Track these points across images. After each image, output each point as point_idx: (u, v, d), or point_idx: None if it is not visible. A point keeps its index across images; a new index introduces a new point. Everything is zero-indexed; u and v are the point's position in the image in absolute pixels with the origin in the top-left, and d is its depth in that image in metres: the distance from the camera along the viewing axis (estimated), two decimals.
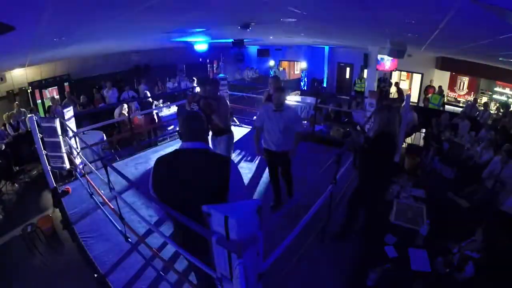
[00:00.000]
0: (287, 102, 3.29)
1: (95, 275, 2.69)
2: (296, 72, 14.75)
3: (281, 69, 13.92)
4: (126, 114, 5.99)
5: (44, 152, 3.84)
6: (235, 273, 1.26)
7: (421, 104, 9.62)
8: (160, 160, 1.66)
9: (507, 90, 8.91)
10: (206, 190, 1.55)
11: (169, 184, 1.61)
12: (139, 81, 9.73)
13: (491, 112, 7.75)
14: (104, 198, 3.28)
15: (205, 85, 3.41)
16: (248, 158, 5.02)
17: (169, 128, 7.19)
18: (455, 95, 10.49)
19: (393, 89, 10.88)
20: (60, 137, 3.92)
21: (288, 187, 3.55)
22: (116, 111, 6.80)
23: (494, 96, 9.28)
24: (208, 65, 12.96)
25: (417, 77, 11.45)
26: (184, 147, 1.63)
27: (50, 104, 7.59)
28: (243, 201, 1.35)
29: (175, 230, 1.81)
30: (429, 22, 3.03)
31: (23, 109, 6.97)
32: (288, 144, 3.20)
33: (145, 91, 7.94)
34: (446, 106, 9.77)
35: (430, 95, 9.56)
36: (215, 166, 1.59)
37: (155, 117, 6.86)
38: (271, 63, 13.88)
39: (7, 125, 6.35)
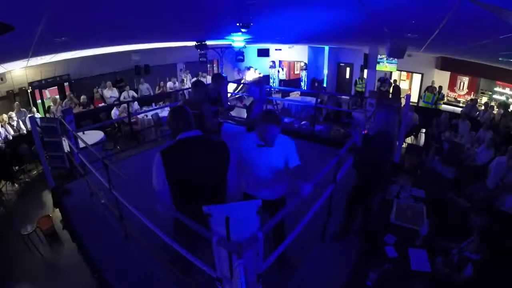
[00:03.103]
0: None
1: (95, 275, 2.69)
2: (296, 72, 14.75)
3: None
4: (126, 114, 6.00)
5: (44, 152, 3.84)
6: (235, 273, 1.26)
7: (421, 104, 9.64)
8: (166, 151, 1.73)
9: (507, 90, 8.91)
10: (216, 170, 1.77)
11: (184, 170, 1.71)
12: (168, 78, 10.31)
13: (494, 112, 7.76)
14: (104, 198, 3.28)
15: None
16: None
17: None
18: (455, 95, 10.50)
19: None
20: (60, 137, 3.92)
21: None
22: (114, 111, 6.83)
23: (494, 96, 9.29)
24: (208, 65, 12.96)
25: (417, 77, 11.45)
26: (185, 136, 1.75)
27: (51, 104, 7.59)
28: (244, 201, 1.36)
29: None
30: (429, 22, 3.03)
31: (23, 109, 6.98)
32: (282, 188, 2.36)
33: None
34: (447, 106, 9.78)
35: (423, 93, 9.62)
36: (218, 148, 1.81)
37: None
38: (271, 63, 13.89)
39: (6, 125, 6.36)
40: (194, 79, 10.56)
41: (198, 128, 2.21)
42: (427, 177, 4.51)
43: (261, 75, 13.25)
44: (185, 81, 10.72)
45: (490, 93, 9.47)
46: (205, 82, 4.36)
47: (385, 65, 10.71)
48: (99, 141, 5.64)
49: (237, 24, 4.35)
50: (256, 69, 13.90)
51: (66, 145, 4.10)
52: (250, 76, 13.16)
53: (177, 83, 10.56)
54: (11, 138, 6.18)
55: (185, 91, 9.50)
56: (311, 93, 10.61)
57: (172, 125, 1.82)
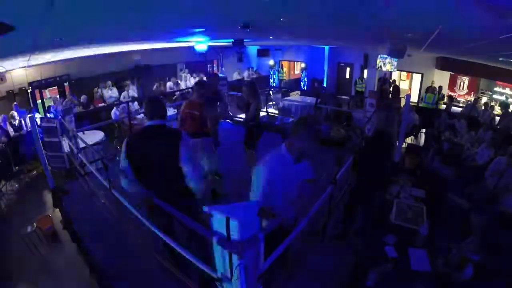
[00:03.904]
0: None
1: (95, 275, 2.69)
2: (296, 72, 14.75)
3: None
4: (126, 114, 6.00)
5: (44, 152, 3.84)
6: (235, 273, 1.26)
7: (421, 104, 9.64)
8: (131, 136, 2.24)
9: (507, 90, 8.91)
10: (166, 152, 2.11)
11: (140, 150, 2.11)
12: (168, 78, 10.26)
13: (495, 112, 7.76)
14: (104, 198, 3.28)
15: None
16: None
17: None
18: (455, 95, 10.50)
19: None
20: (60, 137, 3.92)
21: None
22: (114, 111, 6.82)
23: (494, 96, 9.29)
24: (208, 65, 12.96)
25: (417, 77, 11.45)
26: (149, 124, 2.16)
27: (52, 103, 7.58)
28: (244, 202, 1.36)
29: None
30: (429, 22, 3.03)
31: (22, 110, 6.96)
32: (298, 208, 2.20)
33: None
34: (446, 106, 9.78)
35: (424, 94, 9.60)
36: (170, 136, 2.17)
37: None
38: (271, 63, 13.87)
39: (8, 124, 6.36)
40: (197, 78, 10.57)
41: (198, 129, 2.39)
42: (427, 177, 4.50)
43: (255, 75, 13.23)
44: (181, 82, 10.71)
45: (490, 93, 9.47)
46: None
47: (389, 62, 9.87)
48: (99, 141, 5.64)
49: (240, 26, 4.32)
50: (255, 69, 13.89)
51: (66, 145, 4.10)
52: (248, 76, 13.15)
53: (178, 83, 10.55)
54: (11, 137, 6.17)
55: (184, 91, 9.49)
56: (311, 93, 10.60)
57: (145, 114, 2.21)
